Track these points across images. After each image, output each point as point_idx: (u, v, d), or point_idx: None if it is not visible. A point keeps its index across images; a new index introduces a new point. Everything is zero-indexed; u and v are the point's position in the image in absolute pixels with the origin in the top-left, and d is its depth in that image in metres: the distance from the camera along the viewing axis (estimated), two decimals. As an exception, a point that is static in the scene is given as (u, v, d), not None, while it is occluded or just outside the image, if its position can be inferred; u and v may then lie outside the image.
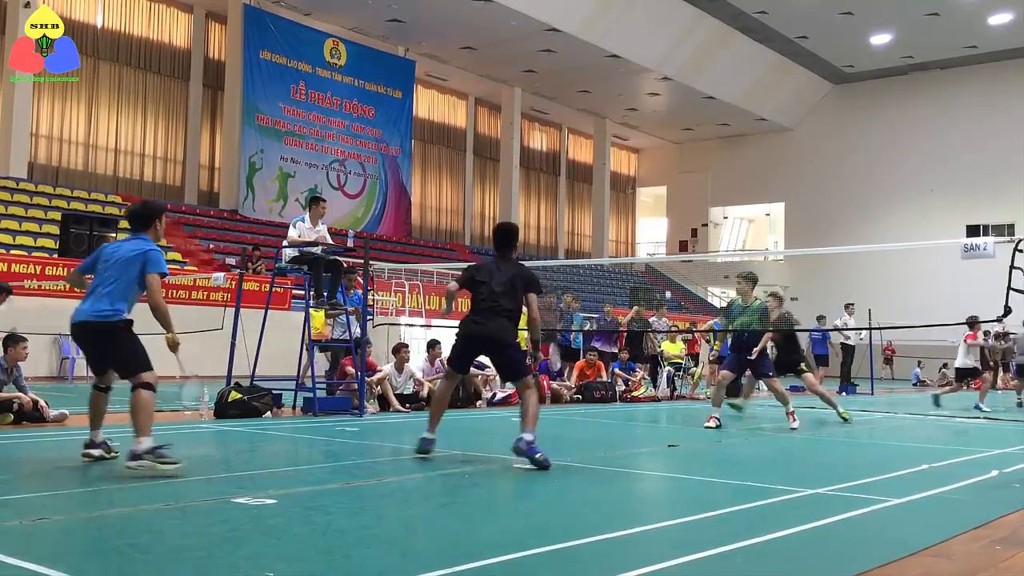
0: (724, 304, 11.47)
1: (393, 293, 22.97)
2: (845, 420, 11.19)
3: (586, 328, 17.76)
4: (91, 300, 6.03)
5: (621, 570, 3.57)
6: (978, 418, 13.11)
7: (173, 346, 6.19)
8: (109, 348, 6.07)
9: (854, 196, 39.52)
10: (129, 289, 6.04)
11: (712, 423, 10.16)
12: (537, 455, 6.36)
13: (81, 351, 6.46)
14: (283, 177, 29.24)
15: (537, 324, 6.98)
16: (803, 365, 11.68)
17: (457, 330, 7.02)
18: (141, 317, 6.11)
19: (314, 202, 11.40)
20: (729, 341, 11.68)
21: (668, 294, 29.74)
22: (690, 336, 18.91)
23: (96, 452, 6.26)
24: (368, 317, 11.88)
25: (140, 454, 5.67)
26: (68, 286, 18.31)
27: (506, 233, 7.22)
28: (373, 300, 13.20)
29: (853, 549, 4.21)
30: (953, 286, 31.03)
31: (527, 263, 8.60)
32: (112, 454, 6.34)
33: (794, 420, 10.45)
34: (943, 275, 32.95)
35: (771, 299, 11.26)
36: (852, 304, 21.97)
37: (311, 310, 11.21)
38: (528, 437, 6.44)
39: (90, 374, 6.65)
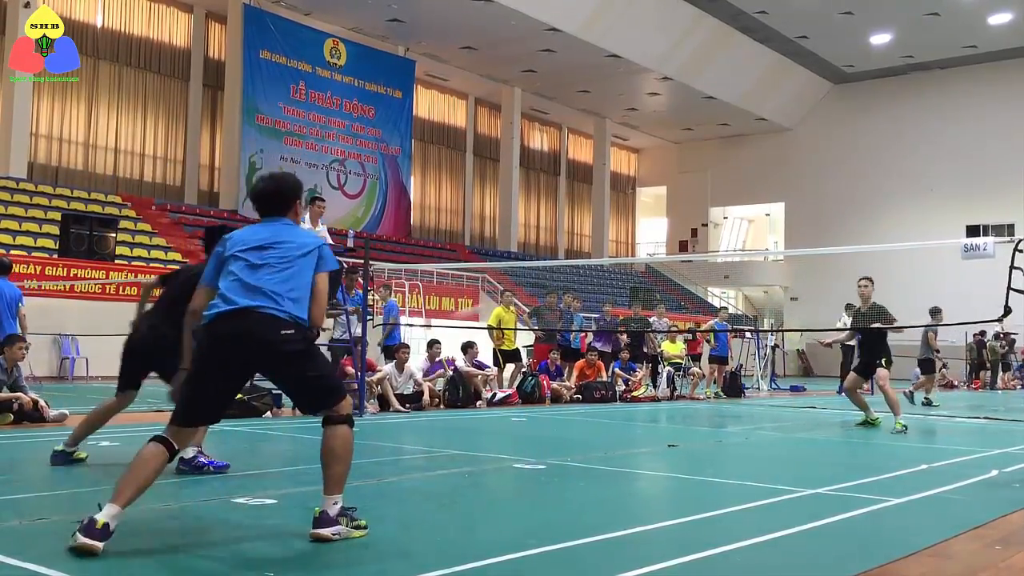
0: (850, 325, 11.93)
1: (393, 293, 22.95)
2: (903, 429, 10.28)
3: (585, 327, 17.74)
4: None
5: (621, 570, 3.57)
6: (978, 418, 13.10)
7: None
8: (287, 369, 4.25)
9: (854, 196, 39.53)
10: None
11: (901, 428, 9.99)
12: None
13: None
14: (283, 177, 29.22)
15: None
16: (882, 361, 11.28)
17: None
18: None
19: (312, 202, 11.39)
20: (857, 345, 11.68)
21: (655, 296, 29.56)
22: (692, 337, 18.89)
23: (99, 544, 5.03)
24: (368, 317, 11.87)
25: (331, 519, 4.06)
26: (68, 286, 18.43)
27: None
28: (373, 300, 13.20)
29: (853, 549, 4.20)
30: (953, 286, 31.00)
31: (527, 263, 8.55)
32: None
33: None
34: (943, 275, 32.94)
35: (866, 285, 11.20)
36: (851, 304, 21.93)
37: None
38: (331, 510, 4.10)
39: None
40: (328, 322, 12.06)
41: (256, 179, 5.23)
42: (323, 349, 12.11)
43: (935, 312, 14.78)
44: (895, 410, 10.34)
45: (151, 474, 4.14)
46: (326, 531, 3.98)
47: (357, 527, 4.10)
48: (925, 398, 15.88)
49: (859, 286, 11.11)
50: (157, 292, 6.57)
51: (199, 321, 4.23)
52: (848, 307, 21.65)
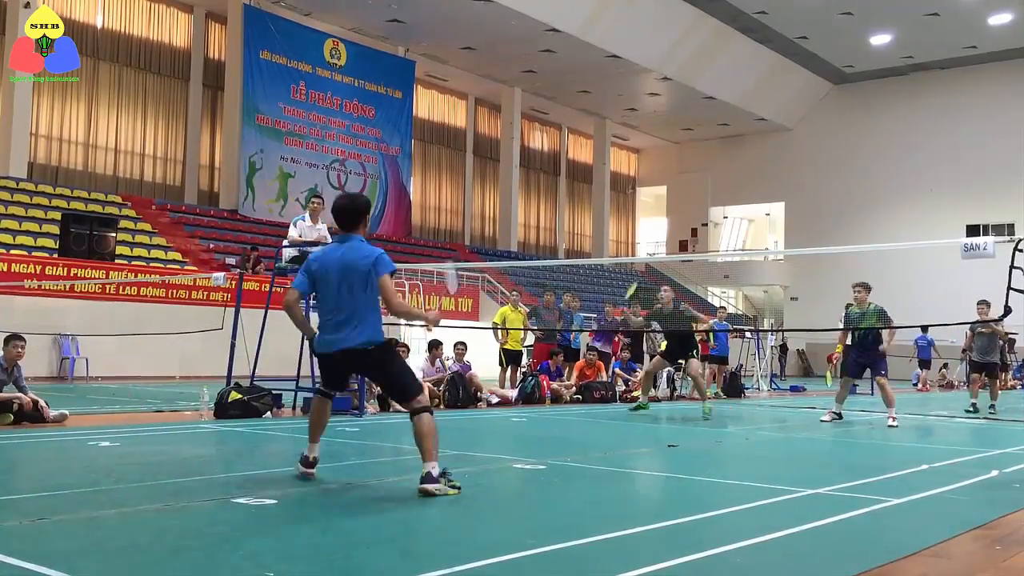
0: (842, 313, 12.30)
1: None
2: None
3: (585, 328, 17.74)
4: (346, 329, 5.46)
5: (621, 570, 3.57)
6: (978, 418, 13.11)
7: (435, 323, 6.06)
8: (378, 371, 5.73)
9: (854, 196, 39.54)
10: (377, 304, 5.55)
11: (829, 418, 11.24)
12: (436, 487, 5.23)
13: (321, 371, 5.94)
14: (283, 177, 29.25)
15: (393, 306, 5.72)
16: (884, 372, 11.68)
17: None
18: (147, 315, 6.06)
19: (309, 201, 11.47)
20: (850, 343, 12.04)
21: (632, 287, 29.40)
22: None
23: (313, 471, 5.70)
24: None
25: (435, 478, 5.17)
26: (68, 286, 18.44)
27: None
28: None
29: (853, 549, 4.20)
30: (953, 286, 31.00)
31: (527, 263, 8.56)
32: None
33: (894, 420, 10.83)
34: (943, 275, 32.94)
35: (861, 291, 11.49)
36: (852, 304, 21.92)
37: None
38: (435, 471, 5.26)
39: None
40: None
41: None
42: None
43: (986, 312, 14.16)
44: (890, 404, 11.11)
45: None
46: (430, 487, 5.11)
47: (452, 487, 5.20)
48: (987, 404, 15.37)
49: (854, 291, 11.34)
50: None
51: None
52: (848, 307, 21.68)
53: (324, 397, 5.94)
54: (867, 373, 12.29)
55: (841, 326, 20.65)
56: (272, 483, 5.56)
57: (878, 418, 12.40)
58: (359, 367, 5.78)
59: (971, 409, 13.69)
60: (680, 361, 13.47)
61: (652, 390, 16.00)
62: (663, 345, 17.43)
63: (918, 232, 34.63)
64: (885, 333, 11.43)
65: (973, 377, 14.51)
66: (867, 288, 11.45)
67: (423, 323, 6.18)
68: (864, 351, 11.50)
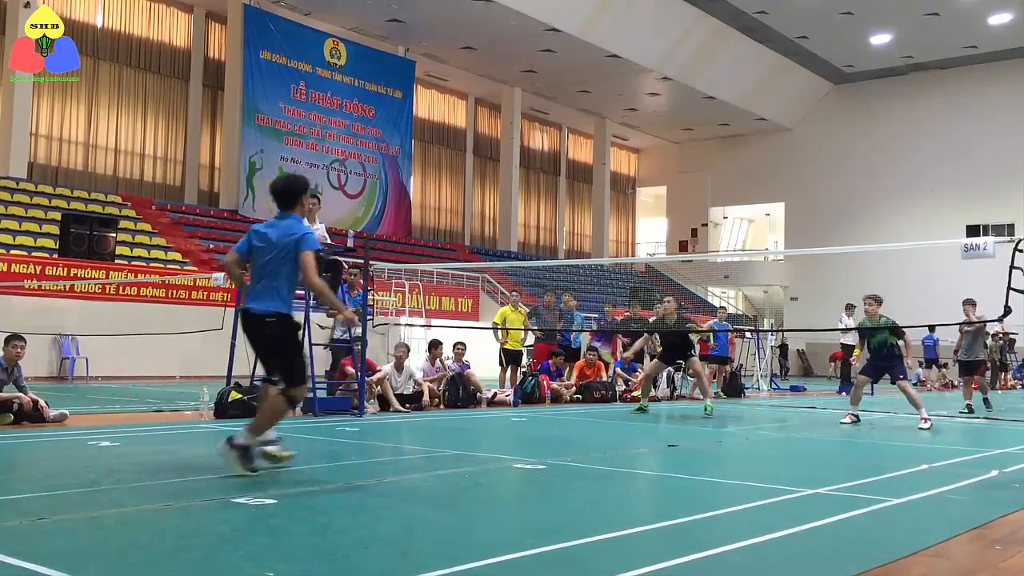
0: (853, 325, 12.82)
1: (393, 293, 22.97)
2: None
3: (586, 328, 17.74)
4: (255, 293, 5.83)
5: (621, 570, 3.57)
6: (978, 418, 13.11)
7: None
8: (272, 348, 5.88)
9: (854, 196, 39.53)
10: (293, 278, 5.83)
11: (848, 420, 11.23)
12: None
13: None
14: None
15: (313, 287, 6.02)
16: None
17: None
18: (147, 315, 6.08)
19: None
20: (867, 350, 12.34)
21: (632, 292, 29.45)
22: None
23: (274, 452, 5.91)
24: (368, 317, 11.86)
25: (235, 445, 5.54)
26: (68, 286, 18.44)
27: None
28: (373, 300, 13.19)
29: (853, 549, 4.20)
30: (953, 286, 31.00)
31: (527, 263, 8.57)
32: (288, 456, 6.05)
33: (925, 422, 10.80)
34: (943, 275, 32.92)
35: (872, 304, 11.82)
36: (853, 305, 21.94)
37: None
38: (239, 440, 5.60)
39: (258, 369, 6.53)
40: (327, 321, 12.07)
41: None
42: (323, 349, 12.15)
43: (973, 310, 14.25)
44: (918, 405, 11.08)
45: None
46: (225, 448, 5.48)
47: (249, 468, 5.47)
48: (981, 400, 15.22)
49: (865, 304, 11.50)
50: None
51: None
52: (848, 307, 21.72)
53: (267, 383, 6.14)
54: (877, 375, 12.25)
55: (840, 326, 20.79)
56: (272, 483, 5.56)
57: (879, 418, 12.41)
58: (258, 336, 5.85)
59: (965, 411, 13.75)
60: (679, 362, 13.54)
61: (652, 390, 16.05)
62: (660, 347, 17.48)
63: (918, 232, 34.62)
64: (903, 346, 11.54)
65: (964, 379, 14.62)
66: (878, 301, 11.48)
67: (334, 310, 6.36)
68: (881, 358, 11.59)
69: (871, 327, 11.45)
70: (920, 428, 10.64)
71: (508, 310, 15.32)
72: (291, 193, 6.03)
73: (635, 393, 15.53)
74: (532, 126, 41.59)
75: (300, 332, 6.08)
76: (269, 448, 5.78)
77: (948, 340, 24.10)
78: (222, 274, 13.74)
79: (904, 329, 11.39)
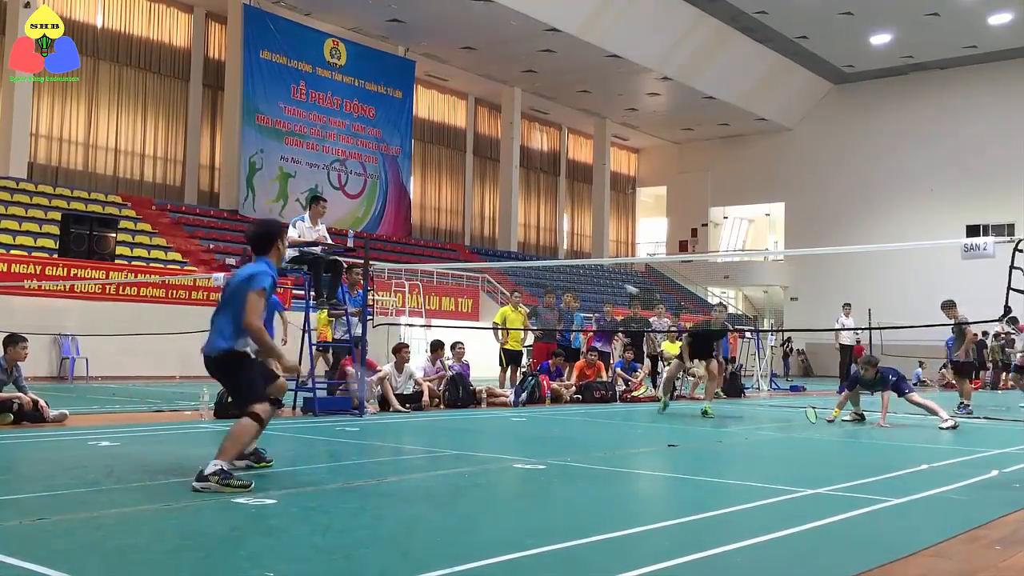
0: (852, 325, 13.55)
1: (393, 293, 22.98)
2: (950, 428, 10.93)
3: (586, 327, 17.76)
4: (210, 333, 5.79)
5: (621, 570, 3.57)
6: (978, 418, 13.11)
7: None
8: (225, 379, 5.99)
9: (854, 196, 39.53)
10: (238, 316, 5.64)
11: (849, 417, 11.56)
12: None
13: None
14: (284, 177, 29.26)
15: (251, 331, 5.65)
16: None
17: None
18: (147, 315, 6.08)
19: (314, 201, 11.36)
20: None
21: (633, 289, 29.34)
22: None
23: (243, 463, 5.95)
24: (368, 317, 11.87)
25: (205, 476, 5.23)
26: (68, 286, 18.44)
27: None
28: (373, 300, 13.20)
29: (853, 549, 4.21)
30: (953, 286, 31.00)
31: (527, 263, 8.60)
32: (263, 463, 6.13)
33: (947, 421, 10.85)
34: (943, 275, 32.91)
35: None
36: (849, 304, 21.97)
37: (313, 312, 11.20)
38: (209, 469, 5.29)
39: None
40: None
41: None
42: (323, 350, 12.15)
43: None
44: (936, 411, 11.14)
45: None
46: (198, 484, 5.18)
47: (228, 485, 5.18)
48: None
49: (862, 369, 11.64)
50: None
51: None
52: (846, 306, 21.74)
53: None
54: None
55: (837, 326, 20.81)
56: (272, 483, 5.56)
57: (878, 418, 12.40)
58: (214, 373, 5.81)
59: (958, 411, 13.78)
60: (694, 360, 13.49)
61: (652, 389, 16.07)
62: (665, 345, 17.48)
63: (918, 232, 34.60)
64: (916, 396, 11.42)
65: (957, 380, 14.70)
66: (874, 364, 11.45)
67: (271, 358, 6.02)
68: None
69: (869, 381, 11.40)
70: (941, 428, 10.60)
71: (508, 310, 15.32)
72: (266, 238, 5.90)
73: (635, 393, 15.55)
74: (532, 126, 41.59)
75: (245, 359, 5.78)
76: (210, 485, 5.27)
77: (939, 340, 24.11)
78: (222, 274, 13.77)
79: (890, 382, 11.33)
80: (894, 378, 11.30)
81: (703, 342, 13.02)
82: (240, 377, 5.74)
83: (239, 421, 5.57)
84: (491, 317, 18.07)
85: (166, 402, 12.02)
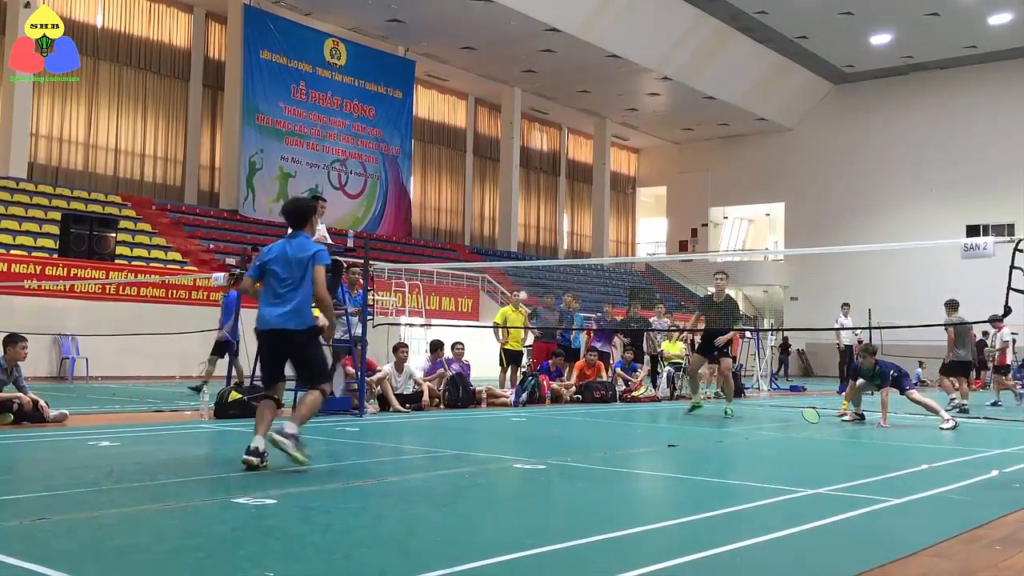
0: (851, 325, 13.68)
1: (393, 293, 22.98)
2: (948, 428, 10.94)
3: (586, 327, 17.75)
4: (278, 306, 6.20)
5: (621, 570, 3.57)
6: (978, 418, 13.11)
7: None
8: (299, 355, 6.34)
9: (854, 196, 39.53)
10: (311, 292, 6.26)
11: (850, 417, 11.68)
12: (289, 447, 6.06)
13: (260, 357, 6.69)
14: (284, 177, 29.25)
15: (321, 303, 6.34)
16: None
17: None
18: (147, 315, 6.10)
19: (314, 201, 11.34)
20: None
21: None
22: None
23: (256, 460, 6.06)
24: (368, 317, 11.86)
25: (287, 435, 6.00)
26: (68, 286, 18.44)
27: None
28: (373, 300, 13.20)
29: (853, 549, 4.21)
30: (953, 286, 30.99)
31: (527, 263, 8.61)
32: (264, 464, 6.13)
33: (948, 422, 10.82)
34: (943, 275, 32.90)
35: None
36: (848, 304, 21.96)
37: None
38: (290, 429, 6.09)
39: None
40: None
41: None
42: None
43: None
44: (936, 410, 11.14)
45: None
46: (279, 438, 5.94)
47: (300, 453, 6.00)
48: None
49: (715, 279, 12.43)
50: None
51: None
52: (845, 306, 21.73)
53: (268, 397, 6.46)
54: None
55: (836, 326, 20.83)
56: (272, 483, 5.56)
57: (878, 418, 12.40)
58: (284, 348, 6.29)
59: (960, 409, 13.81)
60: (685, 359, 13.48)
61: (652, 389, 16.06)
62: (665, 345, 17.48)
63: (918, 232, 34.59)
64: (916, 394, 11.46)
65: (957, 379, 14.71)
66: (872, 353, 11.49)
67: (324, 320, 6.57)
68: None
69: (869, 372, 11.41)
70: (941, 428, 10.58)
71: (509, 310, 15.32)
72: (306, 212, 6.65)
73: (635, 393, 15.54)
74: (532, 126, 41.59)
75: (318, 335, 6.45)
76: (288, 443, 6.07)
77: (939, 340, 24.10)
78: (222, 274, 13.76)
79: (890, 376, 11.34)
80: (895, 374, 11.28)
81: (711, 338, 12.85)
82: (317, 353, 6.36)
83: (311, 393, 6.24)
84: (491, 317, 18.08)
85: (166, 402, 12.02)
